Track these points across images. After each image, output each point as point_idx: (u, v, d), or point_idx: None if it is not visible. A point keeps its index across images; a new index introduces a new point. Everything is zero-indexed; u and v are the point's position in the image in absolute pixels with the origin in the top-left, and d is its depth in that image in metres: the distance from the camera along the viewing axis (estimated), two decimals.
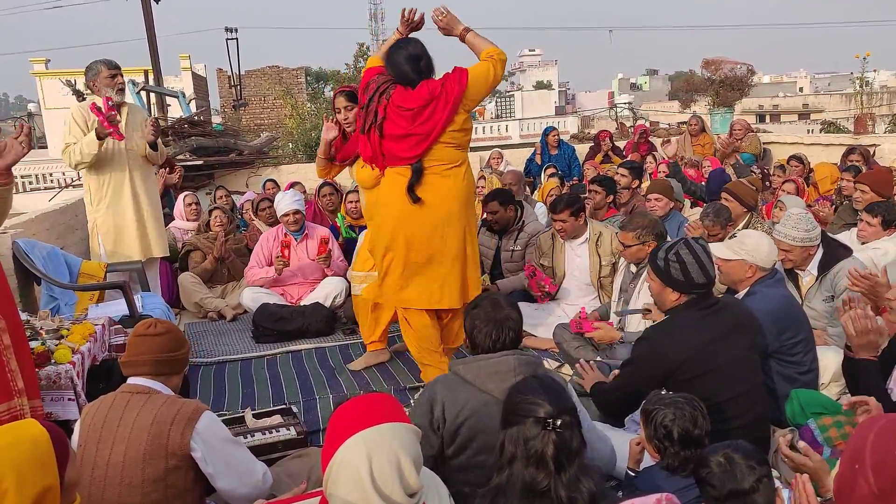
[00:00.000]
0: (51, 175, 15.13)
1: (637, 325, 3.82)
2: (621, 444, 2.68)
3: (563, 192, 6.82)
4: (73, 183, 5.02)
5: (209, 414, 2.30)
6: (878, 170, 5.55)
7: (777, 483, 1.92)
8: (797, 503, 1.80)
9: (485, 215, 5.39)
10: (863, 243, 4.29)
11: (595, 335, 3.73)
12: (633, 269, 4.04)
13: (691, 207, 6.60)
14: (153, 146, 4.96)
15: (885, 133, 10.31)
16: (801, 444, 2.25)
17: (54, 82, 19.02)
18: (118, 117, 4.70)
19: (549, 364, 4.17)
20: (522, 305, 4.51)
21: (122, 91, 4.87)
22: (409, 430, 1.73)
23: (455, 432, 2.32)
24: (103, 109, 4.59)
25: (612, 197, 5.87)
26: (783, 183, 6.39)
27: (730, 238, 3.42)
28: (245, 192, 8.33)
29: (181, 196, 6.71)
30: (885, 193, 4.88)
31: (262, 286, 5.51)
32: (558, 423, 1.82)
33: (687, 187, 6.68)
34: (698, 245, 2.75)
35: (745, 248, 3.21)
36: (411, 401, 3.76)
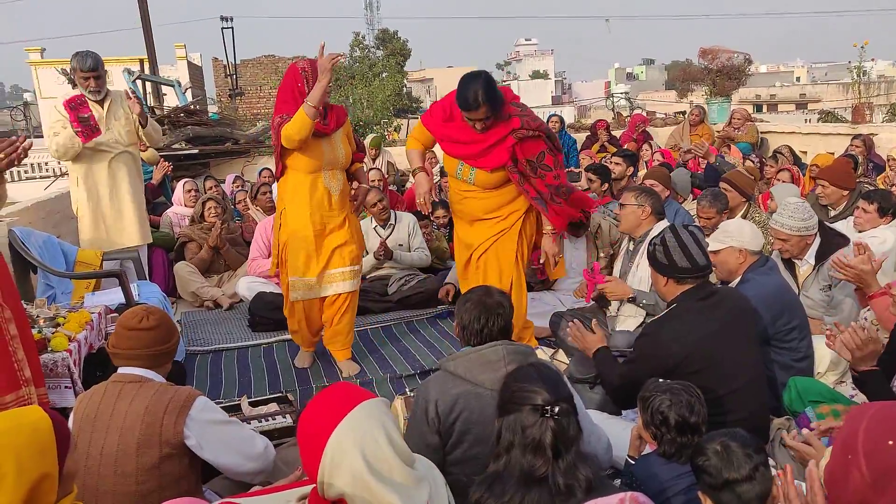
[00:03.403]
0: (46, 164, 15.04)
1: (639, 285, 3.83)
2: (619, 431, 2.69)
3: None
4: (67, 172, 5.04)
5: (202, 399, 2.30)
6: (836, 163, 5.54)
7: (774, 472, 1.92)
8: (783, 493, 1.79)
9: None
10: (860, 231, 4.29)
11: (608, 287, 3.74)
12: (631, 246, 4.04)
13: (692, 200, 6.59)
14: (143, 123, 4.98)
15: (882, 122, 10.31)
16: (805, 431, 2.25)
17: (50, 71, 18.91)
18: (91, 119, 4.76)
19: (545, 352, 4.18)
20: None
21: (96, 92, 4.86)
22: (377, 403, 1.72)
23: (450, 427, 2.32)
24: (72, 107, 4.67)
25: (607, 185, 5.90)
26: (778, 172, 6.39)
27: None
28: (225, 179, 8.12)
29: (181, 183, 6.74)
30: (846, 185, 4.89)
31: (266, 277, 5.52)
32: (556, 410, 1.82)
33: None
34: (685, 231, 2.80)
35: (729, 235, 3.27)
36: (407, 389, 3.77)
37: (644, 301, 3.68)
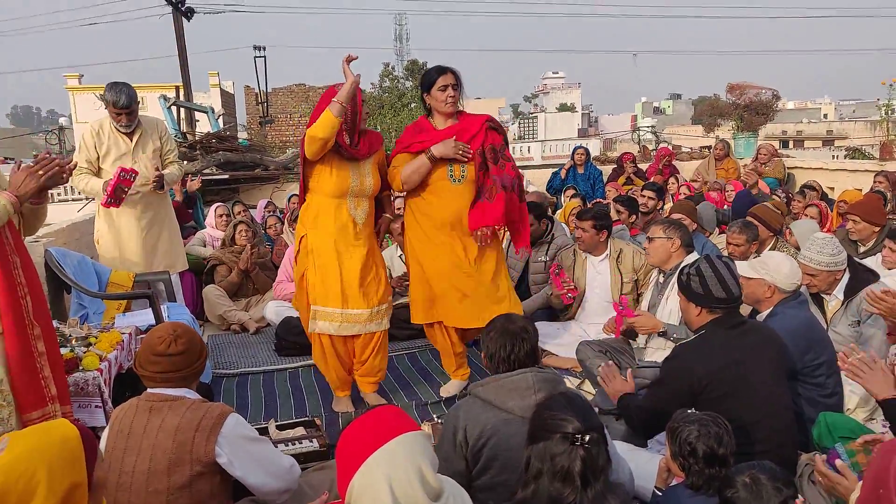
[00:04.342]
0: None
1: (669, 318, 3.81)
2: (644, 463, 2.67)
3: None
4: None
5: (234, 416, 2.31)
6: (868, 199, 5.49)
7: None
8: None
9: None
10: (889, 269, 4.25)
11: (637, 321, 3.73)
12: (661, 279, 4.03)
13: (718, 234, 6.56)
14: (160, 186, 4.91)
15: None
16: (839, 463, 2.22)
17: (87, 97, 19.44)
18: (124, 194, 4.56)
19: (571, 382, 4.17)
20: (543, 324, 4.60)
21: (127, 125, 4.78)
22: (417, 437, 1.73)
23: (478, 453, 2.33)
24: (113, 180, 4.47)
25: (634, 217, 5.92)
26: (806, 207, 6.36)
27: (753, 258, 3.43)
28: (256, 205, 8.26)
29: (213, 207, 6.89)
30: (877, 221, 4.85)
31: (289, 301, 5.57)
32: (586, 439, 1.82)
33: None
34: (721, 262, 2.82)
35: (765, 268, 3.24)
36: (435, 416, 3.78)
37: (675, 335, 3.67)
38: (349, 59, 3.47)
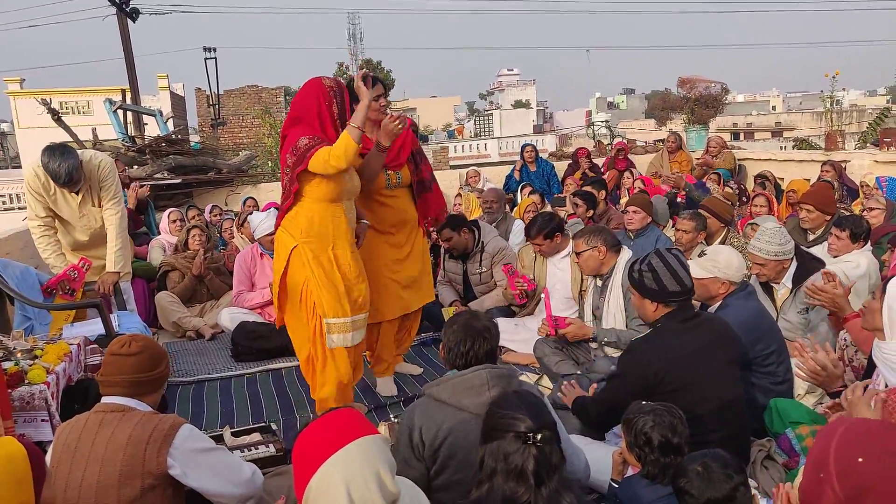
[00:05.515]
0: (23, 195, 14.93)
1: (614, 321, 3.87)
2: (602, 456, 2.69)
3: (543, 208, 6.89)
4: None
5: (186, 427, 2.26)
6: (819, 189, 5.65)
7: (754, 492, 1.94)
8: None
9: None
10: (834, 257, 4.37)
11: (568, 331, 3.83)
12: (599, 283, 4.10)
13: (672, 227, 6.65)
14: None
15: (854, 149, 10.53)
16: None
17: (29, 102, 18.87)
18: (65, 289, 4.41)
19: (529, 377, 4.19)
20: (502, 321, 4.60)
21: (71, 190, 4.56)
22: (375, 440, 1.72)
23: (435, 453, 2.32)
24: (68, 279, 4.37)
25: (592, 211, 5.99)
26: (754, 197, 6.51)
27: (699, 255, 3.49)
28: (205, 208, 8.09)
29: (166, 212, 6.78)
30: (828, 210, 4.99)
31: (250, 308, 5.49)
32: (538, 437, 1.82)
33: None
34: (670, 255, 2.84)
35: (717, 266, 3.29)
36: (391, 416, 3.75)
37: (605, 339, 3.74)
38: (364, 77, 3.52)
